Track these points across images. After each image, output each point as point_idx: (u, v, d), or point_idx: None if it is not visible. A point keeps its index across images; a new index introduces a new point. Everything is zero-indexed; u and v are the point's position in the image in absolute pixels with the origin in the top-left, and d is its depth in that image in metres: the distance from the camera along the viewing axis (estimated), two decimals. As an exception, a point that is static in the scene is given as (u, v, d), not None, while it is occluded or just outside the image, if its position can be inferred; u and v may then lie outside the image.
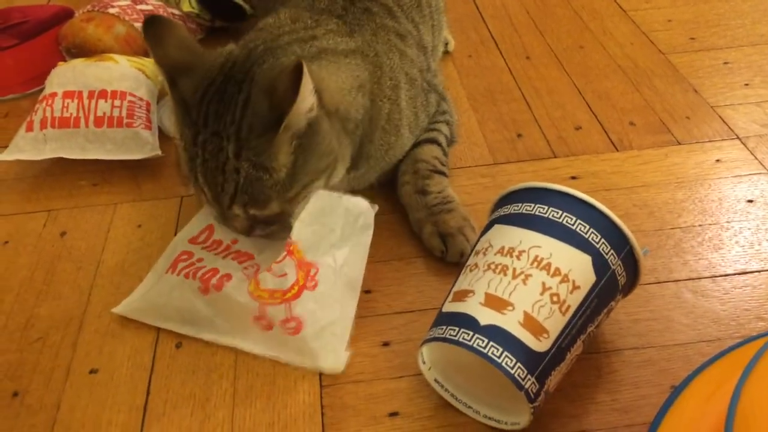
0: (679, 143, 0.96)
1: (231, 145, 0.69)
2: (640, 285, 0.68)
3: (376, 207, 0.76)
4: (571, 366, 0.63)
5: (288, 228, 0.72)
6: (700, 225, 0.83)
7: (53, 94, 0.97)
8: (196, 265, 0.74)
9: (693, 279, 0.77)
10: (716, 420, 0.50)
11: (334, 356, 0.70)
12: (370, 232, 0.75)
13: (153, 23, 0.73)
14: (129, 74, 1.00)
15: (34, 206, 0.93)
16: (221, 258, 0.75)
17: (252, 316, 0.70)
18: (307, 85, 0.66)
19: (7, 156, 0.95)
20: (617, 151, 0.96)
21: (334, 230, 0.73)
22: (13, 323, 0.77)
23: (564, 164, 0.94)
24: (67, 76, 0.99)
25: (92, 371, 0.71)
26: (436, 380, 0.66)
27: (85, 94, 0.96)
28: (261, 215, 0.72)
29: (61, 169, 0.97)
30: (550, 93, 1.08)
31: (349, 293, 0.73)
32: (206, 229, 0.79)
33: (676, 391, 0.61)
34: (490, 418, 0.64)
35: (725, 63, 1.12)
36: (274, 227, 0.75)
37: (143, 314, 0.75)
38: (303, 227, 0.72)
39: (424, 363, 0.66)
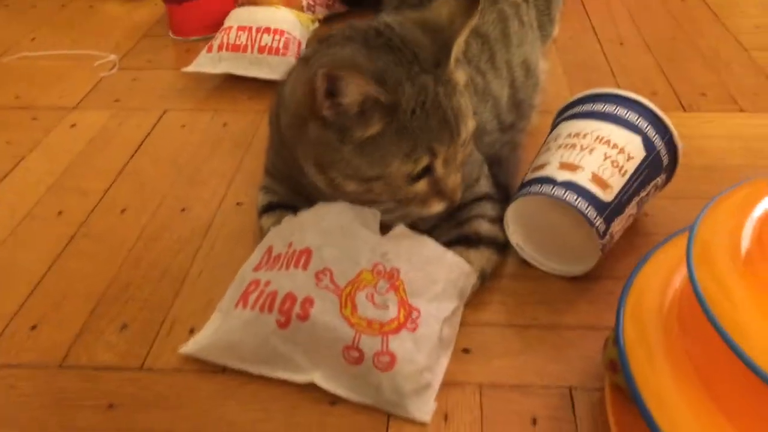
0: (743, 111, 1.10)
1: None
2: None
3: (476, 275, 0.76)
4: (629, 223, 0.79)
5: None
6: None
7: (230, 27, 1.25)
8: (266, 291, 0.68)
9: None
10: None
11: (423, 404, 0.65)
12: (464, 298, 0.74)
13: None
14: (288, 19, 1.27)
15: (205, 106, 1.19)
16: (286, 271, 0.69)
17: (343, 345, 0.65)
18: None
19: (192, 68, 1.24)
20: (685, 112, 1.11)
21: (436, 282, 0.70)
22: (184, 175, 1.02)
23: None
24: (243, 15, 1.27)
25: (238, 204, 0.95)
26: (517, 244, 0.81)
27: (254, 29, 1.23)
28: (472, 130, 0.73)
29: (227, 84, 1.24)
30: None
31: (444, 351, 0.70)
32: (267, 252, 0.74)
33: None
34: (557, 269, 0.79)
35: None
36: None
37: (214, 353, 0.70)
38: (411, 269, 0.69)
39: (508, 227, 0.80)
